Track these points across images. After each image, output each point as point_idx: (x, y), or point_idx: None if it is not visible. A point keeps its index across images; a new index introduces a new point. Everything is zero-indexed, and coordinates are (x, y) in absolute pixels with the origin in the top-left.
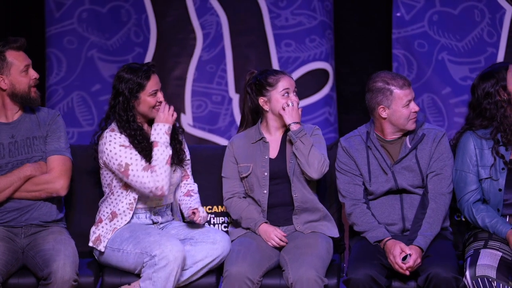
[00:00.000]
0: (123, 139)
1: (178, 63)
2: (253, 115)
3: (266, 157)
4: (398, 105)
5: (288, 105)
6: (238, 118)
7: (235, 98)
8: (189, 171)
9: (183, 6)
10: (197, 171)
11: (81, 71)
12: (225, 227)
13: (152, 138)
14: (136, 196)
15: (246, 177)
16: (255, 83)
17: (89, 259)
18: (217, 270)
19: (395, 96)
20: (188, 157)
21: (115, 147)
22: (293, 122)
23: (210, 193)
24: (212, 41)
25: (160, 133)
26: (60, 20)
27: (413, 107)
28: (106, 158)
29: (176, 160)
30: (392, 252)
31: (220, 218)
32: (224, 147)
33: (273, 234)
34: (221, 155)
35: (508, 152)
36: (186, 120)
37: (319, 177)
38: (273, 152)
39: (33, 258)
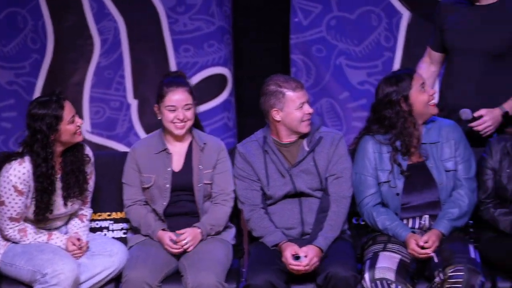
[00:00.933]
0: (21, 182)
1: (76, 69)
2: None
3: (169, 169)
4: (291, 107)
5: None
6: (136, 124)
7: (134, 104)
8: (89, 199)
9: (80, 12)
10: (95, 177)
11: None
12: (124, 233)
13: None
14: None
15: (148, 188)
16: (158, 88)
17: None
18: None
19: (287, 99)
20: (91, 188)
21: (8, 182)
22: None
23: (109, 200)
24: (110, 47)
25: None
26: None
27: (307, 109)
28: None
29: (77, 192)
30: (284, 253)
31: (119, 224)
32: (123, 153)
33: (166, 245)
34: (119, 161)
35: (405, 161)
36: (84, 127)
37: None
38: (177, 164)
39: None
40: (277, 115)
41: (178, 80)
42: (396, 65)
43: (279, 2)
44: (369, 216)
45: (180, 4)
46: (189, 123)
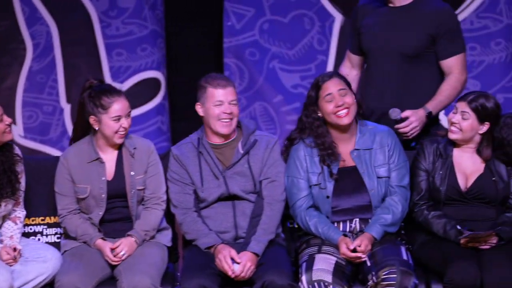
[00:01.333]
0: None
1: (9, 74)
2: (87, 126)
3: (103, 179)
4: (210, 103)
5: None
6: (70, 128)
7: (67, 108)
8: (21, 199)
9: (12, 16)
10: (29, 181)
11: None
12: (58, 238)
13: None
14: None
15: (84, 198)
16: (90, 97)
17: None
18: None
19: (208, 94)
20: (23, 188)
21: None
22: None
23: (42, 204)
24: (43, 51)
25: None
26: None
27: (225, 108)
28: None
29: (10, 192)
30: (218, 256)
31: (53, 229)
32: (56, 157)
33: (106, 256)
34: (52, 165)
35: (336, 164)
36: (17, 131)
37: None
38: (110, 172)
39: None
40: (200, 110)
41: (115, 88)
42: (329, 69)
43: (212, 6)
44: (302, 219)
45: (112, 8)
46: (127, 131)
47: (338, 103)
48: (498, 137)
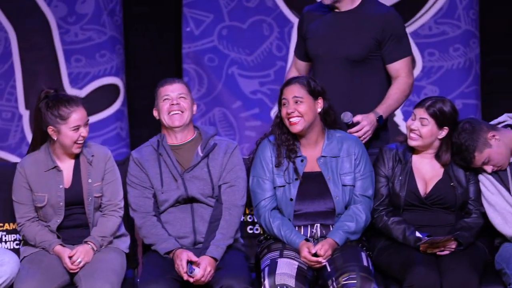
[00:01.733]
0: None
1: None
2: (45, 135)
3: (61, 187)
4: (159, 100)
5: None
6: (28, 134)
7: (25, 114)
8: None
9: None
10: None
11: None
12: (17, 244)
13: None
14: None
15: (42, 207)
16: (47, 107)
17: None
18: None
19: (158, 94)
20: None
21: None
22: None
23: (1, 210)
24: (1, 57)
25: None
26: None
27: (172, 101)
28: None
29: None
30: (176, 261)
31: (12, 235)
32: (14, 164)
33: (65, 263)
34: (11, 172)
35: (302, 165)
36: None
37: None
38: (67, 180)
39: None
40: (155, 113)
41: (73, 97)
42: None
43: (170, 11)
44: (265, 220)
45: (71, 14)
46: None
47: (289, 110)
48: (457, 142)
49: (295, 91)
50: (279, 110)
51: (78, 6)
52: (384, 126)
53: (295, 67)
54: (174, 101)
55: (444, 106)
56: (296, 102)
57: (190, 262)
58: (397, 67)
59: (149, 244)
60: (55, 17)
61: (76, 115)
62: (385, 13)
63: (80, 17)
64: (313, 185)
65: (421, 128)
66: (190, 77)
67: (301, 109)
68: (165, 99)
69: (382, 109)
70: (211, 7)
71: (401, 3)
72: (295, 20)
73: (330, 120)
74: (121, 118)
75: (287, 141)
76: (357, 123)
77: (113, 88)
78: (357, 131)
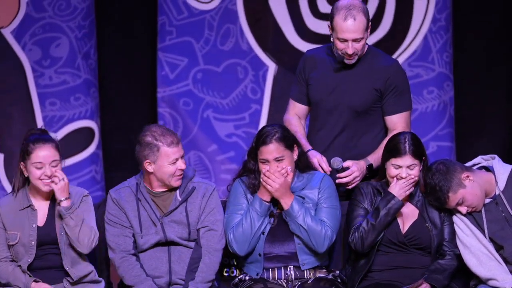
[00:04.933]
0: None
1: None
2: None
3: (34, 226)
4: (164, 161)
5: (62, 180)
6: (3, 177)
7: (0, 157)
8: None
9: None
10: None
11: None
12: None
13: None
14: None
15: (13, 245)
16: (21, 144)
17: None
18: None
19: (161, 153)
20: None
21: None
22: (64, 198)
23: None
24: None
25: None
26: None
27: (180, 165)
28: None
29: None
30: None
31: None
32: None
33: None
34: None
35: (274, 209)
36: None
37: (89, 251)
38: (42, 219)
39: None
40: (149, 167)
41: (44, 136)
42: (264, 117)
43: (145, 55)
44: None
45: (45, 58)
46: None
47: (272, 169)
48: (431, 183)
49: (274, 152)
50: (254, 161)
51: (53, 50)
52: (373, 175)
53: (294, 111)
54: (182, 166)
55: (413, 138)
56: (278, 161)
57: None
58: (395, 120)
59: (128, 285)
60: (30, 61)
61: (40, 152)
62: (390, 65)
63: (55, 61)
64: (281, 226)
65: (411, 172)
66: (165, 121)
67: (284, 165)
68: (173, 163)
69: (373, 158)
70: (185, 51)
71: (375, 46)
72: (270, 63)
73: (302, 165)
74: (96, 161)
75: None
76: (347, 168)
77: (88, 131)
78: (346, 176)
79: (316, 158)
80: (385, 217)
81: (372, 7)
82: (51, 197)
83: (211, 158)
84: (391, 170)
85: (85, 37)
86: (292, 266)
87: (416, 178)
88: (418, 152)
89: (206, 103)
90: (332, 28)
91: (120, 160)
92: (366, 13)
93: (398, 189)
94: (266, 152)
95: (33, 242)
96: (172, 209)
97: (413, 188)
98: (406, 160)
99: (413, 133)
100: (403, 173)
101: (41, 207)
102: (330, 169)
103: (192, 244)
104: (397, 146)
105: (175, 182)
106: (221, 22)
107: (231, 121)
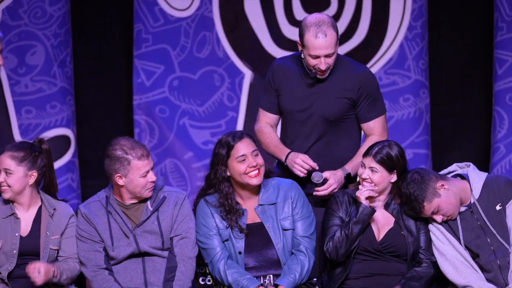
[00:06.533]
0: None
1: None
2: None
3: (17, 235)
4: (135, 175)
5: (38, 273)
6: None
7: None
8: None
9: None
10: None
11: None
12: None
13: None
14: None
15: None
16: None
17: None
18: None
19: (132, 166)
20: None
21: None
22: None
23: None
24: None
25: None
26: None
27: (151, 177)
28: None
29: None
30: None
31: None
32: None
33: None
34: None
35: (244, 218)
36: None
37: None
38: (25, 229)
39: None
40: (120, 180)
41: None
42: (240, 124)
43: (121, 62)
44: (219, 270)
45: (21, 66)
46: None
47: (251, 164)
48: (406, 192)
49: (250, 145)
50: (225, 170)
51: (28, 58)
52: (351, 181)
53: (265, 120)
54: (153, 178)
55: (391, 150)
56: (254, 155)
57: None
58: (371, 126)
59: None
60: (5, 69)
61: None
62: (360, 73)
63: (31, 68)
64: (257, 236)
65: (372, 176)
66: (141, 128)
67: (260, 161)
68: (144, 175)
69: (350, 167)
70: (161, 58)
71: (351, 53)
72: (246, 70)
73: (266, 169)
74: (72, 169)
75: (229, 198)
76: (326, 180)
77: (64, 139)
78: (324, 190)
79: (299, 157)
80: (355, 225)
81: (347, 14)
82: (38, 207)
83: (187, 166)
84: (359, 169)
85: (61, 45)
86: (271, 275)
87: (374, 185)
88: (385, 161)
89: (182, 111)
90: (302, 45)
91: (96, 168)
92: (335, 26)
93: (363, 190)
94: (242, 147)
95: (14, 251)
96: (144, 219)
97: (377, 194)
98: (370, 162)
99: (398, 146)
100: (364, 173)
101: (25, 216)
102: (316, 164)
103: (166, 253)
104: (370, 147)
105: (147, 194)
106: (197, 29)
107: (207, 129)
